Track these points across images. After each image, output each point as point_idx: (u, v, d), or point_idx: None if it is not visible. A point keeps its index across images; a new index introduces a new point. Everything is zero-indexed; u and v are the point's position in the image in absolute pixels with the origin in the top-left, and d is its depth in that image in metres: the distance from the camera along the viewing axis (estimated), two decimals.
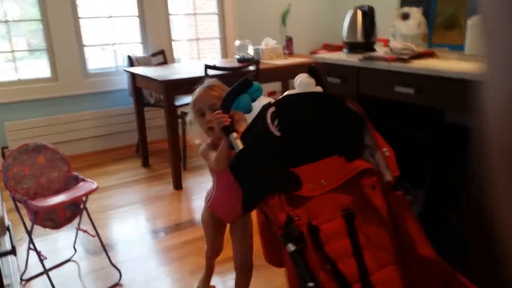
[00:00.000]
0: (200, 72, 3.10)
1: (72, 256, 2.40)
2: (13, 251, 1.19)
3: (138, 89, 3.64)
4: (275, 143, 1.28)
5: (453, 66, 1.85)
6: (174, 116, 3.22)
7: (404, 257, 1.28)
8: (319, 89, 1.50)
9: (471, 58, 1.95)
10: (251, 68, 3.26)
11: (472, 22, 1.99)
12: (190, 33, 4.80)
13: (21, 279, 2.16)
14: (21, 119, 3.80)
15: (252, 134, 1.30)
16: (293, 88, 1.56)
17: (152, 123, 4.11)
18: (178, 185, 3.27)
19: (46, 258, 2.20)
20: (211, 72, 3.04)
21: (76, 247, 2.44)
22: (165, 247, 2.50)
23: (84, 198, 2.11)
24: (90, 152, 4.12)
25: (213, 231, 1.80)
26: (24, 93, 3.81)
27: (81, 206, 2.15)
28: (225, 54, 4.78)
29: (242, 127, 1.42)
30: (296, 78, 1.51)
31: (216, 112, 1.37)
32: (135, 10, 4.23)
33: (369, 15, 2.48)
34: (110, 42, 4.26)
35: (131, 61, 3.97)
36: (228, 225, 1.78)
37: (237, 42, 3.87)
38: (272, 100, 1.40)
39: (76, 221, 2.22)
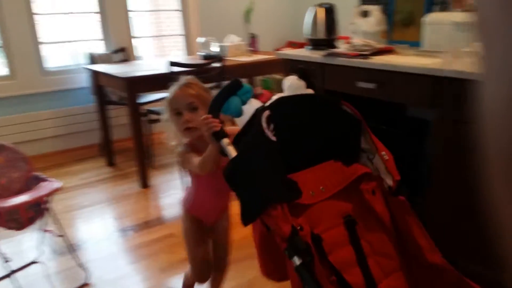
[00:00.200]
0: (163, 69, 3.09)
1: (38, 257, 2.35)
2: None
3: (100, 87, 3.58)
4: (272, 148, 1.19)
5: (411, 62, 1.95)
6: (138, 114, 3.19)
7: (411, 265, 1.23)
8: (310, 91, 1.42)
9: (428, 53, 2.05)
10: (216, 65, 3.28)
11: (428, 19, 2.09)
12: (152, 30, 4.75)
13: None
14: None
15: (246, 140, 1.21)
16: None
17: (116, 122, 4.04)
18: (145, 184, 3.25)
19: (11, 260, 2.14)
20: (175, 69, 3.03)
21: (42, 248, 2.39)
22: (134, 245, 2.48)
23: (47, 198, 2.07)
24: (51, 152, 4.01)
25: (197, 242, 1.64)
26: None
27: (44, 206, 2.10)
28: (189, 51, 4.77)
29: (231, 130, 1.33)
30: (285, 80, 1.43)
31: (205, 116, 1.27)
32: (95, 6, 4.15)
33: (330, 12, 2.55)
34: (70, 39, 4.16)
35: (92, 59, 3.90)
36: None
37: (201, 39, 3.87)
38: (260, 103, 1.31)
39: (41, 222, 2.17)
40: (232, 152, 1.20)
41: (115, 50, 4.17)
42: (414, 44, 2.25)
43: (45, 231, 2.24)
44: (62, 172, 3.57)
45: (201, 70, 3.12)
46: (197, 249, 1.64)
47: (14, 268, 2.16)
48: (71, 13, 4.10)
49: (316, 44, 2.56)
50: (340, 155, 1.30)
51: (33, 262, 2.31)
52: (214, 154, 1.33)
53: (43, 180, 2.12)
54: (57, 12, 4.05)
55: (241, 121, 1.30)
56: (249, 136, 1.21)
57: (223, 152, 1.24)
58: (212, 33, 4.12)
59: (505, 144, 0.29)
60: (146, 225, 2.70)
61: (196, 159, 1.44)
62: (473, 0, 0.31)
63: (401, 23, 2.43)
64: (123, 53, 4.21)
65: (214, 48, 3.84)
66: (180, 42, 4.79)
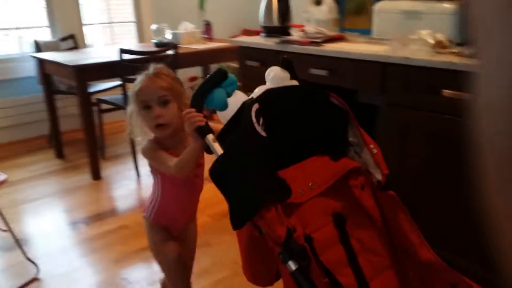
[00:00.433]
0: (114, 57, 2.99)
1: None
2: None
3: (47, 76, 3.43)
4: (263, 144, 1.10)
5: (361, 49, 1.99)
6: (88, 104, 3.08)
7: (404, 262, 1.19)
8: (294, 82, 1.32)
9: (378, 41, 2.10)
10: (170, 52, 3.21)
11: (377, 8, 2.13)
12: (103, 17, 4.58)
13: None
14: None
15: (234, 135, 1.12)
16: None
17: (65, 112, 3.89)
18: (96, 175, 3.15)
19: None
20: (126, 56, 2.95)
21: None
22: (86, 237, 2.41)
23: None
24: None
25: (168, 253, 1.46)
26: None
27: None
28: (141, 38, 4.64)
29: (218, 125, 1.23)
30: (268, 71, 1.31)
31: (187, 110, 1.16)
32: None
33: (284, 0, 2.55)
34: (13, 26, 3.95)
35: (38, 47, 3.72)
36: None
37: (154, 26, 3.78)
38: (245, 95, 1.23)
39: None
40: (218, 149, 1.12)
41: (63, 38, 4.00)
42: (365, 32, 2.29)
43: None
44: (9, 165, 3.40)
45: (153, 58, 3.04)
46: (169, 260, 1.46)
47: None
48: None
49: (270, 31, 2.56)
50: (328, 149, 1.24)
51: None
52: (197, 153, 1.23)
53: None
54: None
55: (223, 116, 1.20)
56: (236, 131, 1.12)
57: (208, 150, 1.15)
58: (165, 20, 4.02)
59: (501, 141, 0.29)
60: (98, 217, 2.62)
61: (171, 159, 1.31)
62: None
63: (353, 12, 2.47)
64: (72, 41, 4.04)
65: (168, 36, 3.76)
66: (132, 29, 4.66)
